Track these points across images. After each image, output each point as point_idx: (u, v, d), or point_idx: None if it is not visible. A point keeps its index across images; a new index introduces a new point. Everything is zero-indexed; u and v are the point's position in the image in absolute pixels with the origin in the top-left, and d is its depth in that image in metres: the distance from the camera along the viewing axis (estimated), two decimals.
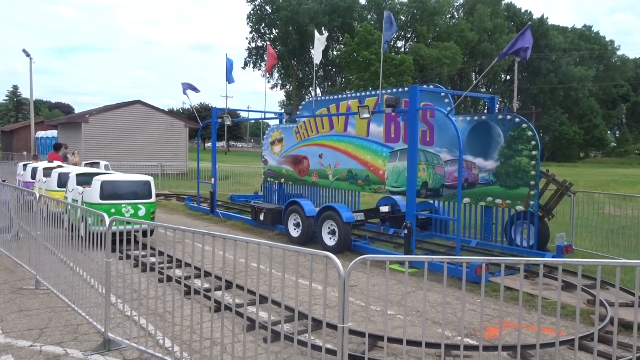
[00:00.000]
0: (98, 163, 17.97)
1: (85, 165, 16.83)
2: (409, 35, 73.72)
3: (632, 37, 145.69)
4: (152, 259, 6.47)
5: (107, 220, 5.02)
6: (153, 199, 10.44)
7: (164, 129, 29.90)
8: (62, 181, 11.58)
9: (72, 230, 6.16)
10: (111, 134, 28.28)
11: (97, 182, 9.83)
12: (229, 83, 14.94)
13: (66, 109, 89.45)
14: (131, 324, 5.11)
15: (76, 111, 73.26)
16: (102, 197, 9.70)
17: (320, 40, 11.52)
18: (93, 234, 5.37)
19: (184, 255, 4.71)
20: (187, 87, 15.51)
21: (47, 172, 12.48)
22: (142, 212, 10.18)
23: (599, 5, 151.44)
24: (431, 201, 11.09)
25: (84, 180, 10.66)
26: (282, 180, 14.03)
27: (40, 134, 37.49)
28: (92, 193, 9.80)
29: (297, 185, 13.76)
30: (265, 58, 14.93)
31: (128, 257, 6.40)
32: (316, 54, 11.68)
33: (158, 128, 29.73)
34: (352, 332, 5.01)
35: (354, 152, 11.79)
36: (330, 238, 9.98)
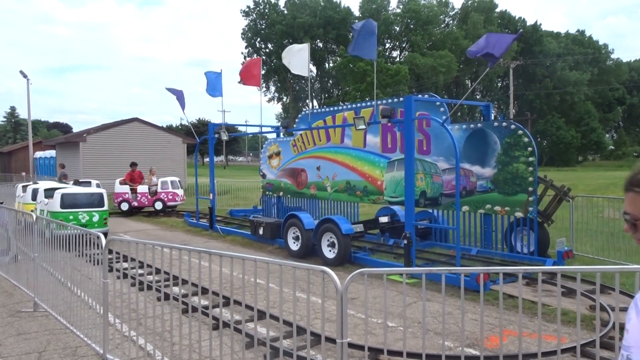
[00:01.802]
0: (89, 182, 18.26)
1: (74, 183, 17.12)
2: (404, 45, 74.18)
3: (626, 40, 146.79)
4: (150, 277, 6.44)
5: (104, 241, 5.00)
6: (105, 207, 12.64)
7: (162, 146, 29.94)
8: (34, 195, 13.53)
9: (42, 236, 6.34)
10: (109, 152, 28.29)
11: (58, 194, 12.00)
12: (213, 97, 15.01)
13: (64, 128, 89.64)
14: (130, 344, 5.06)
15: (74, 130, 73.49)
16: (62, 207, 11.84)
17: (298, 53, 11.61)
18: (56, 236, 6.25)
19: (181, 273, 4.69)
20: (174, 93, 15.80)
21: (49, 193, 12.88)
22: (96, 219, 12.28)
23: (591, 9, 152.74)
24: (430, 210, 11.07)
25: (50, 193, 12.49)
26: (281, 193, 14.02)
27: (39, 154, 37.52)
28: (55, 203, 11.93)
29: (296, 198, 13.74)
30: (257, 69, 14.86)
31: (125, 276, 6.37)
32: (302, 68, 11.76)
33: (156, 145, 29.76)
34: (352, 345, 4.96)
35: (352, 164, 11.79)
36: (330, 250, 9.94)
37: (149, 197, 18.63)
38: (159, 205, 18.64)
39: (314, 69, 74.29)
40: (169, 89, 15.86)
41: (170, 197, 18.95)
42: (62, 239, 6.24)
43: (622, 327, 5.17)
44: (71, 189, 13.02)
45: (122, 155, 28.51)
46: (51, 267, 6.49)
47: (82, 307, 5.54)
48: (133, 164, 19.92)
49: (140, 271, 6.32)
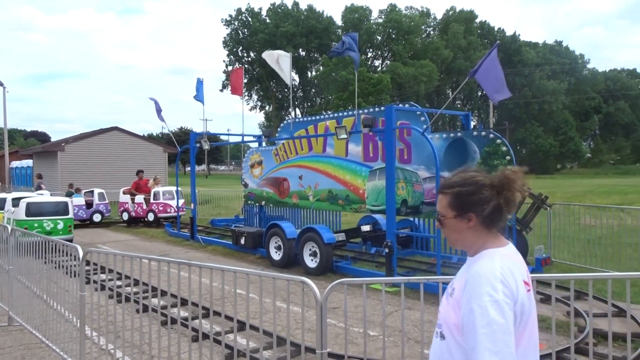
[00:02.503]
0: (92, 191, 18.85)
1: (69, 188, 17.66)
2: (386, 55, 74.89)
3: (601, 50, 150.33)
4: (128, 289, 6.36)
5: (81, 253, 4.93)
6: (70, 215, 13.25)
7: (142, 155, 29.63)
8: (2, 205, 13.82)
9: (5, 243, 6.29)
10: (88, 162, 27.93)
11: (23, 203, 12.47)
12: (197, 100, 15.02)
13: (42, 137, 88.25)
14: (107, 358, 4.99)
15: (52, 139, 72.35)
16: (27, 215, 12.34)
17: (279, 61, 11.68)
18: (27, 245, 6.34)
19: (161, 284, 4.64)
20: (157, 107, 15.70)
21: (15, 202, 13.28)
22: (60, 226, 12.76)
23: (568, 20, 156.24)
24: (411, 219, 11.14)
25: (17, 202, 12.91)
26: (263, 203, 13.97)
27: (15, 163, 36.86)
28: (20, 212, 12.41)
29: (278, 207, 13.71)
30: (239, 80, 14.92)
31: (103, 288, 6.28)
32: (285, 75, 11.81)
33: (136, 154, 29.46)
34: (332, 355, 4.96)
35: (334, 172, 11.82)
36: (312, 260, 9.94)
37: (144, 207, 18.12)
38: (151, 217, 18.04)
39: (296, 77, 74.56)
40: (152, 99, 15.76)
41: (161, 209, 18.11)
42: (36, 249, 6.13)
43: (597, 333, 5.27)
44: (37, 197, 13.59)
45: (102, 165, 28.19)
46: (27, 280, 6.37)
47: (58, 320, 5.44)
48: (140, 172, 19.43)
49: (118, 283, 6.24)
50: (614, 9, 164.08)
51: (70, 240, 11.28)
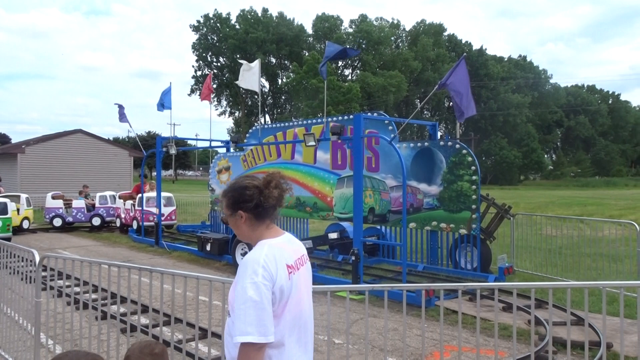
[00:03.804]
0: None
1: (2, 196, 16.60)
2: (356, 64, 75.53)
3: (564, 66, 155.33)
4: (87, 296, 6.16)
5: (37, 258, 4.76)
6: (8, 215, 14.41)
7: (107, 159, 28.95)
8: None
9: None
10: (50, 164, 27.09)
11: None
12: (164, 109, 14.81)
13: (2, 139, 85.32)
14: None
15: (13, 141, 70.01)
16: None
17: (250, 70, 11.66)
18: None
19: (121, 290, 4.51)
20: (121, 110, 15.38)
21: None
22: None
23: (532, 36, 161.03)
24: (378, 227, 11.21)
25: None
26: None
27: None
28: None
29: None
30: (209, 87, 14.80)
31: (60, 294, 6.07)
32: (252, 83, 11.78)
33: (101, 158, 28.75)
34: None
35: (302, 180, 11.80)
36: None
37: (131, 214, 17.00)
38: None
39: (266, 84, 74.37)
40: (118, 105, 15.45)
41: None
42: None
43: (556, 341, 5.36)
44: None
45: (64, 168, 27.40)
46: None
47: (12, 327, 5.22)
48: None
49: (76, 289, 6.04)
50: (575, 27, 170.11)
51: (9, 240, 11.63)
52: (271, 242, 2.13)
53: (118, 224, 17.65)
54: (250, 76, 11.91)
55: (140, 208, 15.62)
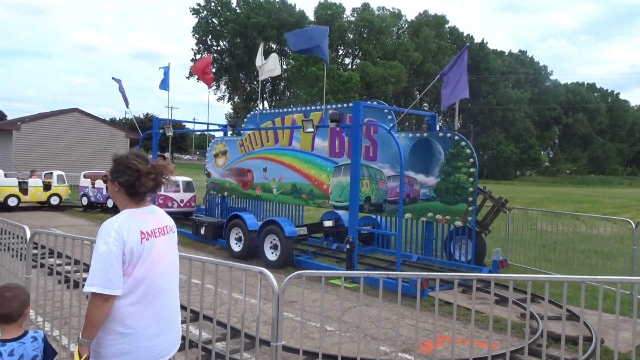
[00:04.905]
0: (51, 173, 18.52)
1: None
2: (356, 53, 75.15)
3: (565, 63, 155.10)
4: (78, 275, 6.10)
5: (28, 234, 4.69)
6: None
7: (103, 139, 28.76)
8: None
9: None
10: (45, 143, 26.91)
11: None
12: (162, 88, 14.63)
13: None
14: (53, 344, 4.75)
15: (9, 118, 69.43)
16: None
17: (270, 63, 11.53)
18: None
19: None
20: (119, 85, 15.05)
21: None
22: None
23: (534, 31, 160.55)
24: (374, 216, 11.17)
25: None
26: (226, 193, 13.76)
27: None
28: None
29: (241, 198, 13.53)
30: (206, 70, 14.52)
31: (51, 272, 6.02)
32: (262, 71, 11.64)
33: (97, 138, 28.57)
34: (287, 349, 4.88)
35: (299, 166, 11.73)
36: (273, 253, 9.83)
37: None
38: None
39: None
40: (115, 79, 15.19)
41: (161, 202, 14.84)
42: None
43: (550, 336, 5.36)
44: None
45: (59, 146, 27.22)
46: None
47: None
48: (161, 156, 18.33)
49: (67, 267, 5.98)
50: (577, 24, 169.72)
51: None
52: (131, 211, 2.45)
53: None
54: (270, 65, 11.73)
55: (159, 192, 15.10)
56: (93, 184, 17.75)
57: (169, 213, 11.43)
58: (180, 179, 15.25)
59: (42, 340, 2.53)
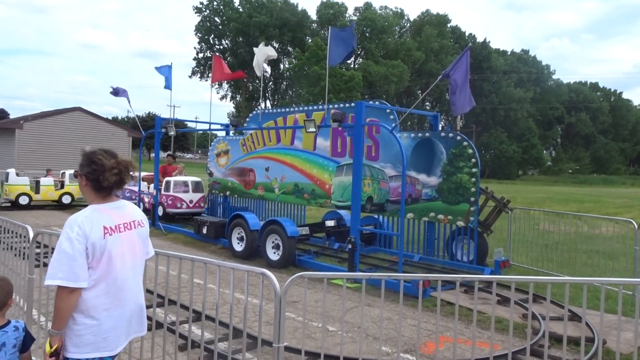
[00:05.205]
0: (64, 173, 18.62)
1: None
2: (359, 52, 75.10)
3: (567, 62, 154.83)
4: None
5: (31, 234, 4.70)
6: None
7: (105, 138, 28.81)
8: None
9: None
10: (48, 141, 26.99)
11: None
12: (166, 88, 14.67)
13: (0, 114, 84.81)
14: None
15: (12, 116, 69.60)
16: None
17: (262, 52, 11.54)
18: None
19: None
20: (117, 91, 15.02)
21: None
22: None
23: (537, 30, 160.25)
24: (376, 216, 11.18)
25: None
26: (228, 193, 13.77)
27: None
28: None
29: (243, 198, 13.54)
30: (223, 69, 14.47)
31: None
32: (258, 67, 11.67)
33: (99, 137, 28.61)
34: (289, 349, 4.89)
35: (301, 166, 11.74)
36: (275, 252, 9.84)
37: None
38: (160, 211, 14.71)
39: (268, 69, 73.91)
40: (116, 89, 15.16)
41: (170, 203, 14.54)
42: None
43: (552, 336, 5.36)
44: None
45: (62, 145, 27.28)
46: None
47: None
48: (170, 155, 17.34)
49: None
50: (580, 24, 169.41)
51: None
52: (96, 207, 2.56)
53: (141, 209, 16.22)
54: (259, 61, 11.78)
55: (167, 193, 14.37)
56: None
57: (178, 214, 11.02)
58: (190, 179, 14.88)
59: (22, 330, 2.72)
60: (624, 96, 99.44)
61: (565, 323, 3.48)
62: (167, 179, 14.76)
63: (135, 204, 12.79)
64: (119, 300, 2.56)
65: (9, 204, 17.45)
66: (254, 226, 10.35)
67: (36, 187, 17.87)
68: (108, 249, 2.48)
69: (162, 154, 18.33)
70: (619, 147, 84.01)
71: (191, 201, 14.48)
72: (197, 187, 14.78)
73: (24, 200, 17.40)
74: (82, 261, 2.40)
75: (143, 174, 15.53)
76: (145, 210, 15.23)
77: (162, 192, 14.62)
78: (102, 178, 2.53)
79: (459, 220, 9.19)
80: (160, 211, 14.68)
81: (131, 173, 2.64)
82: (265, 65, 11.67)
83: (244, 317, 3.65)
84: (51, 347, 2.46)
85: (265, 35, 66.19)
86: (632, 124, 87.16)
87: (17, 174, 18.00)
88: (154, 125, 14.86)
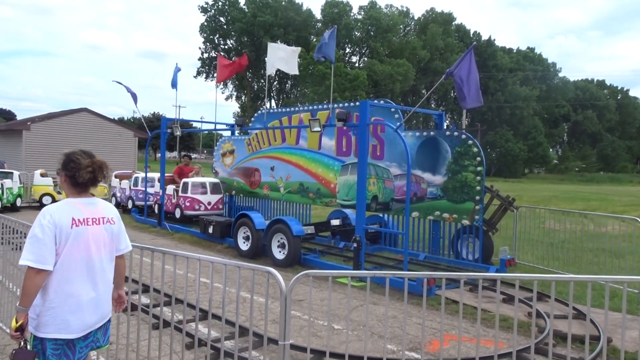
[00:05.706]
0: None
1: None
2: (363, 51, 75.03)
3: (574, 60, 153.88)
4: None
5: None
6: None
7: (112, 139, 29.01)
8: None
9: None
10: (55, 142, 27.14)
11: None
12: (173, 87, 14.73)
13: (7, 115, 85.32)
14: None
15: (18, 118, 70.03)
16: None
17: (285, 52, 11.57)
18: None
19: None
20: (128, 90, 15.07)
21: None
22: None
23: (542, 28, 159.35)
24: (381, 215, 11.19)
25: None
26: (233, 192, 13.83)
27: None
28: None
29: (248, 197, 13.60)
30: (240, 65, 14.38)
31: None
32: (269, 66, 11.70)
33: (106, 137, 28.80)
34: (294, 347, 4.92)
35: (306, 165, 11.78)
36: (280, 252, 9.88)
37: (173, 201, 14.71)
38: (177, 214, 14.38)
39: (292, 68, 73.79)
40: (125, 86, 15.24)
41: (188, 205, 13.98)
42: None
43: (557, 334, 5.36)
44: None
45: (69, 146, 27.19)
46: None
47: (14, 302, 5.25)
48: (186, 156, 17.04)
49: None
50: (586, 21, 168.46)
51: None
52: (69, 200, 2.88)
53: (156, 211, 15.01)
54: (289, 60, 11.76)
55: (185, 194, 13.92)
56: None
57: (196, 216, 10.93)
58: (208, 180, 14.31)
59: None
60: (631, 93, 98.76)
61: (570, 321, 3.50)
62: (184, 180, 14.27)
63: (158, 205, 12.48)
64: (81, 286, 2.81)
65: (37, 204, 17.83)
66: (259, 225, 10.39)
67: (58, 187, 18.06)
68: (73, 238, 2.76)
69: (169, 154, 18.40)
70: (626, 145, 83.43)
71: (209, 203, 13.94)
72: (215, 188, 14.16)
73: (47, 200, 17.62)
74: (50, 246, 2.68)
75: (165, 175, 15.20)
76: (172, 218, 14.56)
77: (180, 193, 14.20)
78: (77, 175, 2.84)
79: (464, 218, 9.19)
80: (177, 213, 14.30)
81: (105, 172, 2.93)
82: (284, 65, 11.64)
83: (250, 316, 3.69)
84: (17, 322, 2.69)
85: (270, 35, 66.22)
86: (639, 121, 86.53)
87: (42, 175, 18.29)
88: (160, 125, 14.95)
